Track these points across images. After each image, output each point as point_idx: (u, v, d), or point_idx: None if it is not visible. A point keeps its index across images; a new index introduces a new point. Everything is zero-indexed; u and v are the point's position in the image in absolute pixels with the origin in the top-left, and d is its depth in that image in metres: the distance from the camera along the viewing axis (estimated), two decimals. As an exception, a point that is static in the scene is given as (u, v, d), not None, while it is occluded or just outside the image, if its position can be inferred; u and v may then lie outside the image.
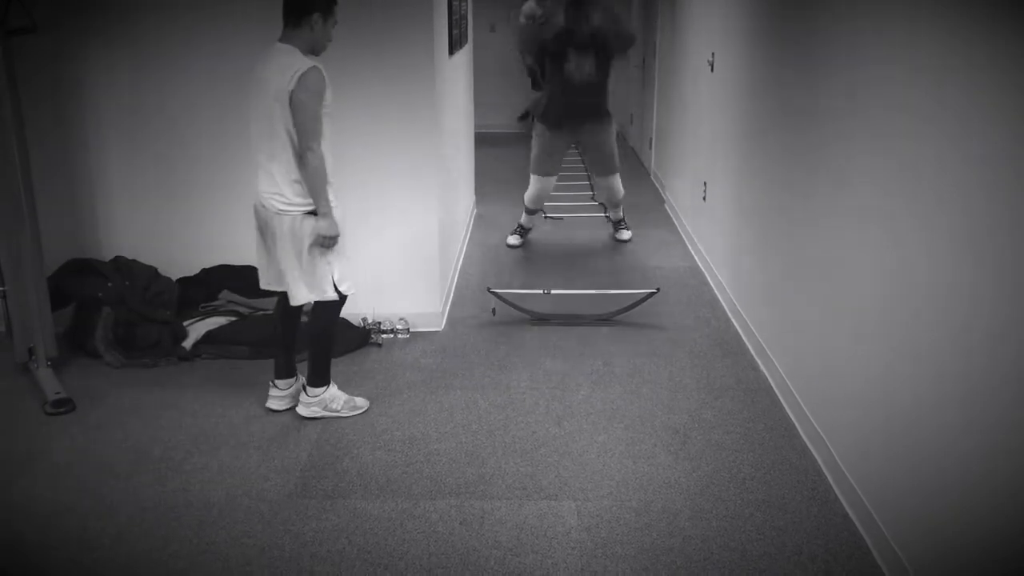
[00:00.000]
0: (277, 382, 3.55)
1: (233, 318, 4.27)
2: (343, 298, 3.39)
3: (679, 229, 6.35)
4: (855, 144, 2.91)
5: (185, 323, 4.18)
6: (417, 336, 4.38)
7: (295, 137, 3.13)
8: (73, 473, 3.12)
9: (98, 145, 4.25)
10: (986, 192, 2.09)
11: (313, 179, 3.15)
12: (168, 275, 4.29)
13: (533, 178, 5.89)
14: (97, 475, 3.11)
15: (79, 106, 4.20)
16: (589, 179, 7.72)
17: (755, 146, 4.27)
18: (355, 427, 3.46)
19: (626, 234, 6.16)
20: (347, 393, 3.59)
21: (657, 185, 7.75)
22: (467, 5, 6.22)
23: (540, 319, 4.59)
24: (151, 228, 4.35)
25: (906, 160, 2.51)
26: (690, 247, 5.88)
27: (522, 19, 5.73)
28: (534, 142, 5.87)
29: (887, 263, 2.64)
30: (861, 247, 2.85)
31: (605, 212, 6.37)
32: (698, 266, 5.51)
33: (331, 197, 3.22)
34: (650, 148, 8.24)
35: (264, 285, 3.48)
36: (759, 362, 4.01)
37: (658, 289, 4.81)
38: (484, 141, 8.35)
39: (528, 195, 5.94)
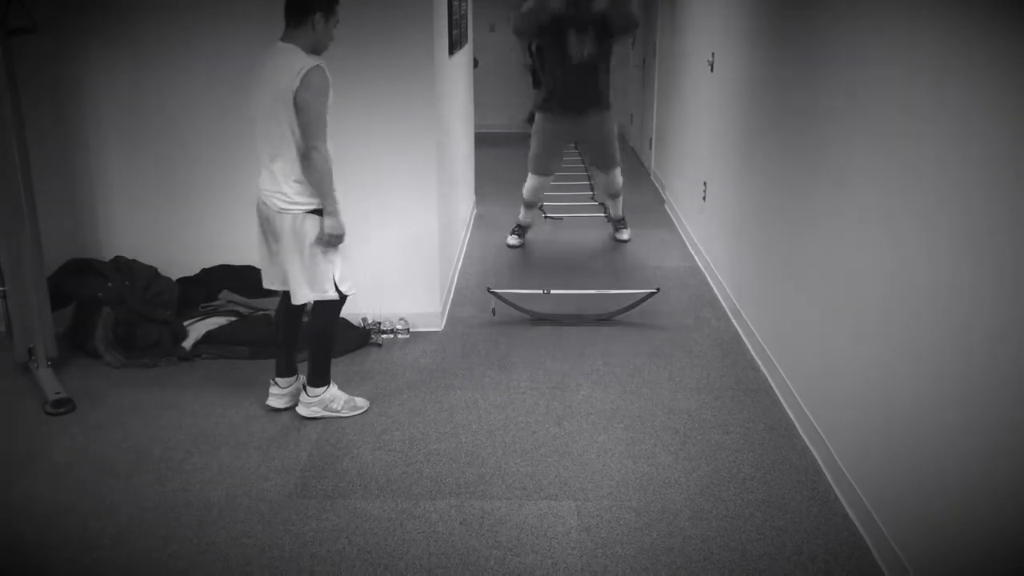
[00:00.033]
0: (278, 380, 3.55)
1: (233, 318, 4.27)
2: (343, 298, 3.39)
3: (679, 229, 6.35)
4: (855, 144, 2.91)
5: (185, 323, 4.18)
6: (417, 336, 4.38)
7: (298, 136, 3.13)
8: (73, 473, 3.13)
9: (98, 145, 4.25)
10: (986, 192, 2.09)
11: (319, 178, 3.15)
12: (168, 275, 4.29)
13: (531, 176, 5.86)
14: (97, 475, 3.11)
15: (79, 106, 4.20)
16: (589, 179, 7.74)
17: (755, 146, 4.27)
18: (355, 427, 3.46)
19: (626, 234, 6.15)
20: (347, 393, 3.59)
21: (657, 185, 7.75)
22: (467, 5, 6.22)
23: (540, 319, 4.59)
24: (151, 228, 4.35)
25: (906, 160, 2.51)
26: (690, 247, 5.88)
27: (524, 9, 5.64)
28: (533, 138, 5.80)
29: (887, 263, 2.64)
30: (861, 247, 2.85)
31: (605, 212, 6.36)
32: (698, 266, 5.51)
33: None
34: (650, 148, 8.24)
35: (267, 285, 3.48)
36: (759, 362, 4.01)
37: (658, 289, 4.81)
38: (484, 141, 8.35)
39: (526, 189, 5.89)
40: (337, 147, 3.27)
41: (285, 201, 3.21)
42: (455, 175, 5.34)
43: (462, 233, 5.85)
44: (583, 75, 5.49)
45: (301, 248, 3.24)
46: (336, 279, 3.33)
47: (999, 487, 2.03)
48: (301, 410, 3.50)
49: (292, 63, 3.08)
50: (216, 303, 4.44)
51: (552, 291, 4.83)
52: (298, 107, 3.08)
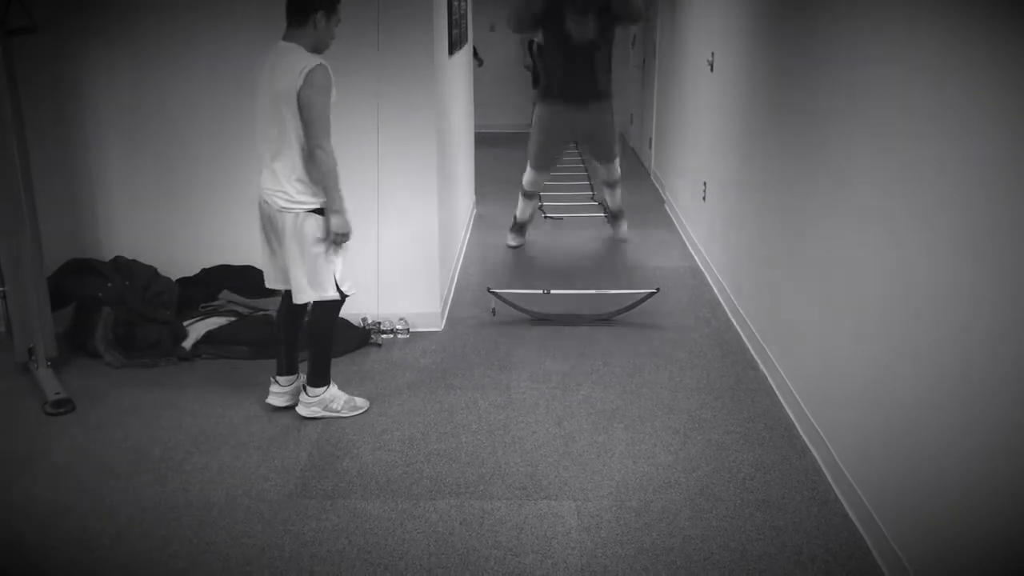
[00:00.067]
0: (278, 378, 3.55)
1: (233, 318, 4.27)
2: (343, 298, 3.39)
3: (679, 229, 6.35)
4: (855, 144, 2.91)
5: (185, 323, 4.18)
6: (417, 336, 4.38)
7: (302, 135, 3.13)
8: (73, 473, 3.13)
9: (98, 145, 4.25)
10: (986, 192, 2.09)
11: (325, 177, 3.15)
12: (168, 275, 4.29)
13: (530, 169, 5.74)
14: (97, 475, 3.11)
15: (79, 106, 4.20)
16: (589, 179, 7.74)
17: (755, 146, 4.27)
18: (355, 427, 3.46)
19: (624, 228, 6.10)
20: (347, 393, 3.60)
21: (657, 185, 7.75)
22: (467, 5, 6.21)
23: (540, 319, 4.59)
24: (151, 228, 4.35)
25: (906, 160, 2.51)
26: (690, 247, 5.88)
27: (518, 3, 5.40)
28: (533, 131, 5.65)
29: (887, 263, 2.64)
30: (861, 247, 2.85)
31: (605, 212, 6.35)
32: (698, 266, 5.51)
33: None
34: (650, 148, 8.24)
35: (269, 284, 3.48)
36: (759, 362, 4.01)
37: (658, 289, 4.81)
38: (484, 141, 8.35)
39: (525, 180, 5.78)
40: (337, 147, 3.26)
41: (286, 200, 3.21)
42: (455, 175, 5.34)
43: (462, 233, 5.85)
44: (584, 60, 5.31)
45: (302, 247, 3.25)
46: (337, 279, 3.34)
47: (999, 487, 2.03)
48: (301, 410, 3.50)
49: (295, 62, 3.08)
50: (216, 303, 4.44)
51: (552, 291, 4.83)
52: (301, 105, 3.08)
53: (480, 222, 6.58)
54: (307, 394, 3.48)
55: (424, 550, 2.68)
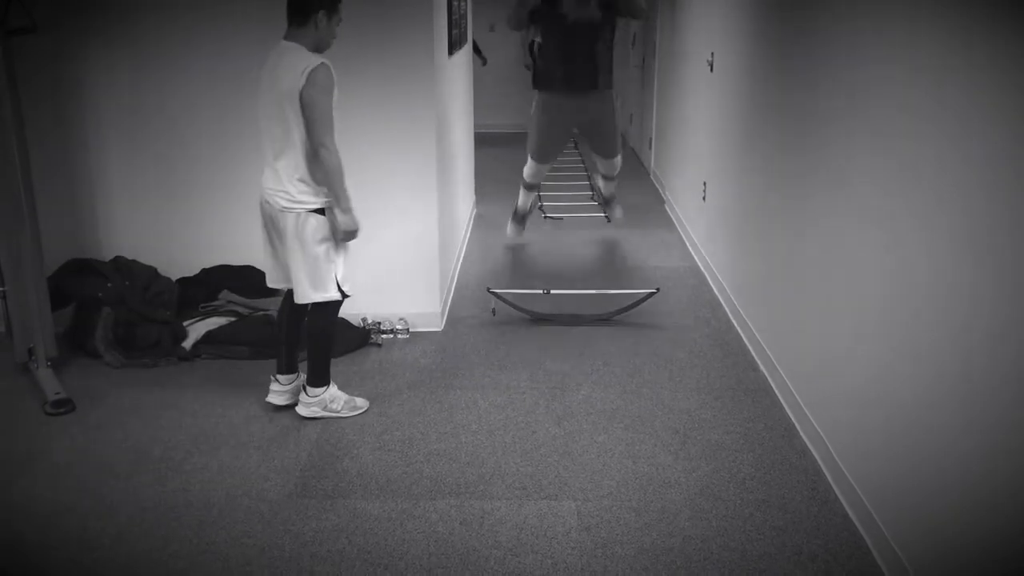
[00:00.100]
0: (279, 377, 3.55)
1: (233, 318, 4.27)
2: (344, 297, 3.39)
3: (679, 229, 6.35)
4: (855, 144, 2.91)
5: (185, 323, 4.18)
6: (417, 336, 4.38)
7: (304, 135, 3.13)
8: (73, 473, 3.13)
9: (98, 145, 4.25)
10: (986, 192, 2.09)
11: (330, 175, 3.15)
12: (168, 275, 4.29)
13: (531, 161, 5.59)
14: (97, 475, 3.11)
15: (79, 106, 4.20)
16: (589, 179, 7.73)
17: (755, 146, 4.27)
18: (355, 427, 3.46)
19: (618, 211, 6.02)
20: (347, 393, 3.60)
21: (657, 185, 7.75)
22: (467, 5, 6.21)
23: (540, 319, 4.59)
24: (151, 228, 4.35)
25: (906, 160, 2.51)
26: (690, 247, 5.88)
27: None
28: (532, 124, 5.44)
29: (887, 263, 2.64)
30: (861, 247, 2.85)
31: (595, 198, 6.24)
32: (698, 266, 5.51)
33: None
34: (650, 148, 8.24)
35: (271, 283, 3.49)
36: (759, 362, 4.01)
37: (658, 289, 4.81)
38: (484, 141, 8.35)
39: (526, 172, 5.64)
40: (338, 147, 3.27)
41: (288, 200, 3.21)
42: (455, 175, 5.34)
43: (462, 233, 5.85)
44: (584, 49, 5.15)
45: (304, 247, 3.25)
46: (338, 279, 3.34)
47: (999, 487, 2.03)
48: (301, 410, 3.50)
49: (297, 61, 3.08)
50: (216, 303, 4.44)
51: (552, 291, 4.83)
52: (304, 105, 3.08)
53: (480, 222, 6.58)
54: (307, 394, 3.48)
55: (424, 550, 2.68)
